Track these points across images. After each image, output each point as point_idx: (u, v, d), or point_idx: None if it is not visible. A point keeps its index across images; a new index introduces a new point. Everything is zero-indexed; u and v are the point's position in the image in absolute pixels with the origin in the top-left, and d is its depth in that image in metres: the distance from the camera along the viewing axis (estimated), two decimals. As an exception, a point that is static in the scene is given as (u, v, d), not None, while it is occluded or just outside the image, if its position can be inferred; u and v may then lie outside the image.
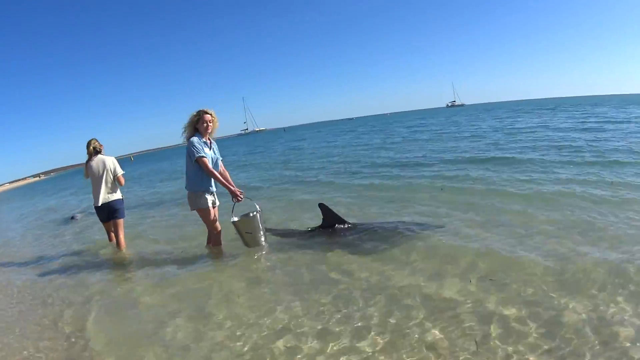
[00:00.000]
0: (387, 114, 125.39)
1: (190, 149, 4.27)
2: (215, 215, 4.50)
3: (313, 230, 4.83)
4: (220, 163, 4.53)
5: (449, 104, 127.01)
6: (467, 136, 15.72)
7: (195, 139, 4.29)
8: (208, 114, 4.37)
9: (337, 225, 4.74)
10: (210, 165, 4.28)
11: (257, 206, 4.40)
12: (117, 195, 5.31)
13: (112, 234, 5.48)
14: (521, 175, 6.70)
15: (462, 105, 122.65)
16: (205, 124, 4.32)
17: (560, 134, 12.63)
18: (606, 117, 17.84)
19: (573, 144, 9.83)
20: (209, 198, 4.41)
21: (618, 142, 9.47)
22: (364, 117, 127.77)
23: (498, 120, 24.68)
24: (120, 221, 5.30)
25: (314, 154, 17.12)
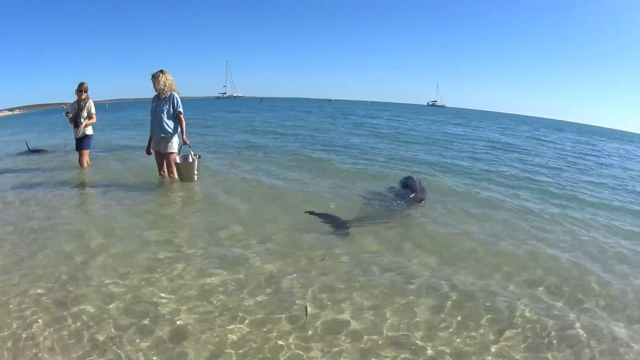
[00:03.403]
0: (366, 101, 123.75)
1: None
2: (159, 157, 5.87)
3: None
4: (167, 114, 5.53)
5: (430, 103, 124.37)
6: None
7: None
8: (153, 76, 5.52)
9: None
10: (152, 118, 5.60)
11: (192, 153, 5.64)
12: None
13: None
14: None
15: (443, 106, 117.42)
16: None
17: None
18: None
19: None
20: (153, 143, 5.79)
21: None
22: (343, 100, 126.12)
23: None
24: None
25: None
